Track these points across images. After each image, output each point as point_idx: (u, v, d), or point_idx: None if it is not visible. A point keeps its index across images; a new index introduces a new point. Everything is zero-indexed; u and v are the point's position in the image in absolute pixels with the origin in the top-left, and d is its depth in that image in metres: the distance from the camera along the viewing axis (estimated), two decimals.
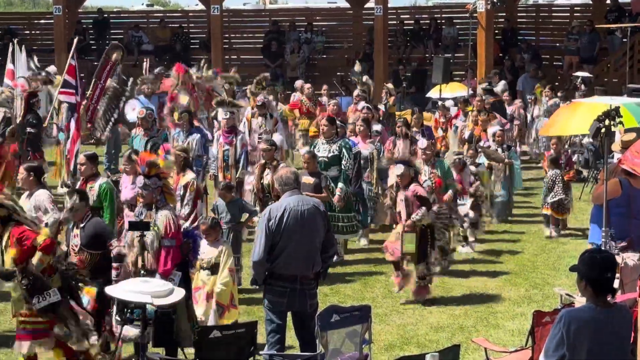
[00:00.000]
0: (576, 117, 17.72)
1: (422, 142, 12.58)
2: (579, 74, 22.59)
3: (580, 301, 8.75)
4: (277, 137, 14.44)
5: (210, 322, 9.29)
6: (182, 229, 9.04)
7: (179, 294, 6.68)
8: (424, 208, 10.94)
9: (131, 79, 16.26)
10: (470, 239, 13.55)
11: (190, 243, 8.98)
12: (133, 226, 9.75)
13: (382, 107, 19.60)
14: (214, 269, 9.57)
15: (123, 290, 6.46)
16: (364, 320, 7.86)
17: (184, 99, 15.83)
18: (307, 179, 11.84)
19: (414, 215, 10.92)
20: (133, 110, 16.87)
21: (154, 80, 18.51)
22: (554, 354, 5.73)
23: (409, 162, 11.26)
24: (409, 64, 28.06)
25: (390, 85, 21.45)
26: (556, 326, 5.75)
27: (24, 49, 17.76)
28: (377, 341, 9.42)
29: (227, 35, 29.00)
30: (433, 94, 22.94)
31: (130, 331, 8.49)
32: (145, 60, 20.47)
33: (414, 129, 15.79)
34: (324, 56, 29.44)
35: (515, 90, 23.91)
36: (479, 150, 14.91)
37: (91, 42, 29.32)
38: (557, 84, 24.67)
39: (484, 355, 8.38)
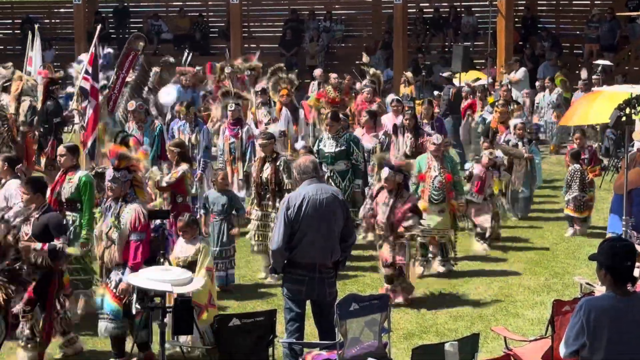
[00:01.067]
0: (595, 106, 17.68)
1: (437, 137, 12.04)
2: (600, 62, 22.47)
3: (600, 290, 8.73)
4: (273, 128, 13.87)
5: None
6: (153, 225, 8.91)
7: (199, 282, 6.71)
8: (416, 216, 10.58)
9: (153, 69, 16.32)
10: (479, 245, 12.89)
11: (159, 239, 8.83)
12: (152, 215, 9.79)
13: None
14: (191, 267, 9.12)
15: (143, 278, 6.49)
16: (383, 309, 7.86)
17: (248, 95, 15.73)
18: None
19: (405, 223, 10.49)
20: (168, 95, 16.90)
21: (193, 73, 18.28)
22: (574, 343, 5.72)
23: (398, 166, 10.74)
24: (428, 52, 28.00)
25: (409, 74, 21.43)
26: (576, 315, 5.73)
27: (38, 38, 17.77)
28: (396, 330, 9.43)
29: (246, 24, 29.00)
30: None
31: (105, 326, 8.56)
32: (187, 52, 20.12)
33: (424, 121, 15.13)
34: (343, 45, 29.40)
35: (535, 78, 23.80)
36: (496, 146, 14.48)
37: (111, 31, 29.38)
38: (577, 72, 24.58)
39: (504, 344, 8.36)
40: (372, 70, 18.53)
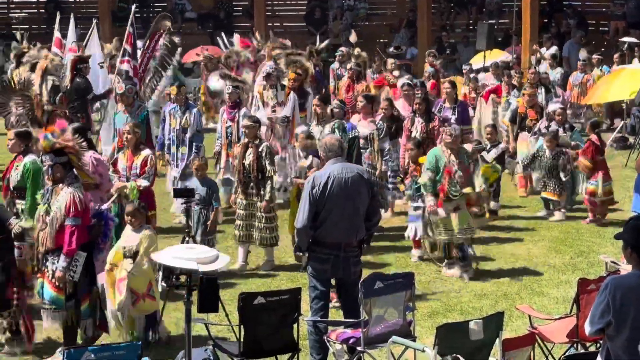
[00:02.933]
0: (616, 84, 17.60)
1: (455, 128, 11.12)
2: (626, 39, 22.28)
3: (625, 269, 8.70)
4: (260, 113, 13.52)
5: (124, 310, 8.81)
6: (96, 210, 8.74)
7: (224, 260, 6.73)
8: None
9: (179, 49, 16.32)
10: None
11: (101, 226, 8.64)
12: (177, 193, 9.83)
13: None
14: (136, 256, 8.88)
15: (169, 256, 6.51)
16: (407, 287, 7.87)
17: (247, 77, 15.54)
18: (303, 162, 11.32)
19: None
20: (217, 81, 16.83)
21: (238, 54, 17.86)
22: (600, 321, 5.71)
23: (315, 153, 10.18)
24: (452, 30, 27.85)
25: (433, 51, 21.30)
26: (602, 293, 5.72)
27: (72, 21, 17.80)
28: (420, 308, 9.44)
29: (270, 2, 28.91)
30: (476, 61, 22.74)
31: (47, 315, 8.52)
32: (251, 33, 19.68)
33: (447, 105, 14.13)
34: (367, 23, 29.28)
35: (561, 56, 23.63)
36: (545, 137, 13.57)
37: (135, 10, 29.35)
38: (603, 49, 24.38)
39: (528, 322, 8.36)
40: (356, 51, 17.64)
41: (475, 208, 11.27)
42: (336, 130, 11.91)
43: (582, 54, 21.03)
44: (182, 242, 9.82)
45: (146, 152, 10.67)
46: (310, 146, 11.15)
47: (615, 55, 20.80)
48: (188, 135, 13.10)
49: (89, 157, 9.96)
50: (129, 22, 14.61)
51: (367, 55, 17.91)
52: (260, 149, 11.11)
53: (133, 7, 15.23)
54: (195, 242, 10.64)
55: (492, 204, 13.24)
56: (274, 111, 14.00)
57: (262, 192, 11.07)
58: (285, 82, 14.71)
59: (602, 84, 18.59)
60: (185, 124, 13.14)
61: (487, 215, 12.83)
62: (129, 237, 9.00)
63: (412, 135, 12.80)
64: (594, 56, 20.69)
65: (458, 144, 11.01)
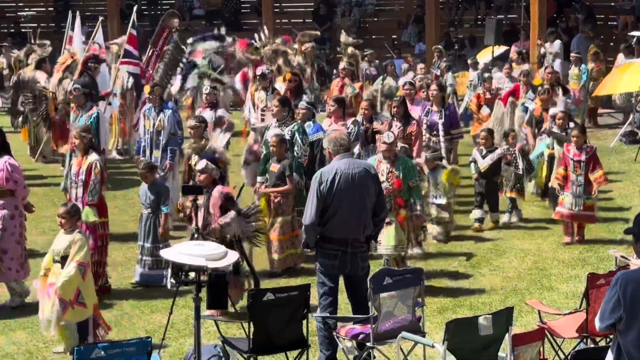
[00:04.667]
0: (626, 77, 17.60)
1: (388, 135, 10.15)
2: (634, 33, 22.20)
3: (635, 263, 8.67)
4: (253, 119, 13.04)
5: (53, 318, 8.63)
6: None
7: (233, 256, 6.73)
8: (232, 213, 9.52)
9: (189, 47, 16.35)
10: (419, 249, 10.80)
11: None
12: (186, 191, 9.84)
13: (436, 70, 19.38)
14: (65, 261, 8.67)
15: (178, 253, 6.52)
16: (416, 283, 7.86)
17: (226, 78, 15.40)
18: (274, 166, 11.00)
19: (222, 219, 9.47)
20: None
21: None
22: (610, 317, 5.69)
23: (215, 157, 9.99)
24: (460, 26, 27.81)
25: (440, 47, 21.29)
26: (612, 289, 5.70)
27: (79, 17, 17.84)
28: (429, 304, 9.42)
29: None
30: (483, 56, 22.69)
31: None
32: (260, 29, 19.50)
33: (434, 108, 13.65)
34: (375, 19, 29.26)
35: (568, 51, 23.56)
36: (546, 133, 13.33)
37: (143, 7, 29.42)
38: (612, 44, 24.31)
39: (538, 317, 8.35)
40: (350, 50, 16.74)
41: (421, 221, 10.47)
42: (296, 132, 11.50)
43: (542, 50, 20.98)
44: (191, 239, 9.83)
45: (92, 157, 10.21)
46: (282, 153, 10.94)
47: (622, 46, 20.71)
48: (162, 137, 12.68)
49: (3, 163, 9.95)
50: (130, 23, 14.63)
51: (360, 53, 17.29)
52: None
53: (135, 7, 15.21)
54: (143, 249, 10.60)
55: (491, 215, 12.77)
56: (263, 119, 13.60)
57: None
58: (277, 84, 14.39)
59: (612, 77, 18.60)
60: (159, 126, 12.74)
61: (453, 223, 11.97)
62: (59, 241, 8.80)
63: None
64: (572, 54, 20.42)
65: (395, 152, 10.21)
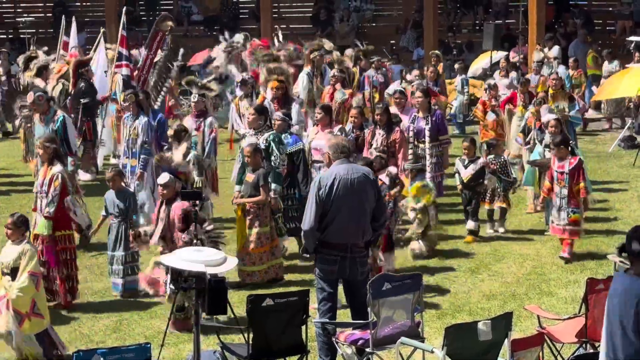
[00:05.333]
0: (625, 81, 17.65)
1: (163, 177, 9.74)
2: (633, 38, 22.26)
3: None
4: (242, 128, 12.73)
5: (11, 329, 8.49)
6: None
7: (232, 262, 6.74)
8: (195, 226, 9.24)
9: (182, 50, 16.31)
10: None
11: None
12: (185, 196, 9.82)
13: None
14: (14, 273, 8.50)
15: (177, 259, 6.52)
16: (415, 288, 7.86)
17: (214, 85, 15.22)
18: (249, 176, 10.81)
19: (185, 236, 9.23)
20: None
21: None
22: None
23: (176, 170, 9.71)
24: (459, 31, 27.84)
25: (437, 52, 21.28)
26: None
27: (74, 22, 17.83)
28: (428, 309, 9.43)
29: (276, 5, 28.93)
30: (481, 60, 22.73)
31: None
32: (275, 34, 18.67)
33: (420, 115, 13.21)
34: (374, 24, 29.29)
35: (566, 56, 23.60)
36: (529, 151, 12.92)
37: (141, 13, 29.45)
38: (610, 49, 24.33)
39: (537, 322, 8.35)
40: (335, 56, 16.26)
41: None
42: (271, 142, 11.32)
43: (537, 55, 20.84)
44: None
45: (56, 169, 10.01)
46: (257, 162, 10.81)
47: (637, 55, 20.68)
48: (137, 146, 12.55)
49: None
50: (121, 25, 14.61)
51: (349, 59, 16.94)
52: (187, 159, 10.57)
53: (124, 9, 15.18)
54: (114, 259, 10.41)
55: (471, 224, 12.39)
56: None
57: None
58: (261, 91, 14.07)
59: (610, 81, 18.65)
60: (133, 134, 12.63)
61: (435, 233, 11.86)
62: (7, 252, 8.65)
63: (373, 148, 12.27)
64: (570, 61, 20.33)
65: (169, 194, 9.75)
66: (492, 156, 12.68)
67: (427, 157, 12.97)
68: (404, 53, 26.34)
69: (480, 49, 23.39)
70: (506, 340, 7.09)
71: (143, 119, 12.64)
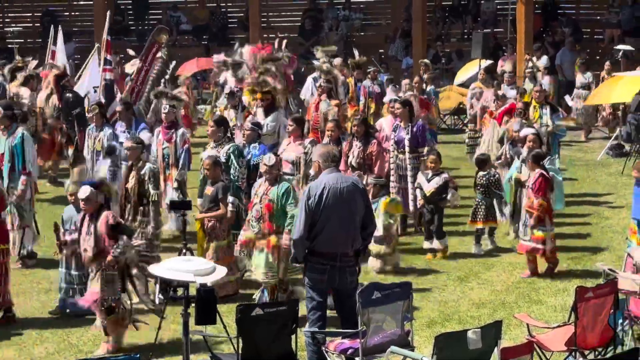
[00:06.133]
0: (617, 89, 17.73)
1: (269, 158, 9.89)
2: (620, 47, 22.33)
3: (623, 276, 8.73)
4: (144, 135, 12.49)
5: None
6: None
7: (222, 271, 6.73)
8: (124, 238, 8.97)
9: (173, 62, 16.29)
10: None
11: None
12: (173, 206, 9.81)
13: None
14: None
15: (166, 268, 6.52)
16: (404, 297, 7.86)
17: (183, 95, 15.07)
18: (208, 189, 10.62)
19: (115, 250, 8.90)
20: (308, 90, 16.37)
21: None
22: None
23: (99, 184, 9.20)
24: (447, 40, 27.90)
25: (426, 61, 21.29)
26: None
27: (60, 32, 17.75)
28: (418, 318, 9.42)
29: (265, 14, 28.96)
30: (465, 70, 22.76)
31: None
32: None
33: (401, 124, 12.92)
34: (362, 34, 29.33)
35: (554, 64, 23.67)
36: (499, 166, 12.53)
37: (130, 23, 29.44)
38: (598, 57, 24.42)
39: (526, 331, 8.35)
40: (325, 67, 15.65)
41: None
42: (231, 155, 11.20)
43: (508, 66, 20.75)
44: (179, 254, 9.80)
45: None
46: (217, 175, 10.67)
47: (607, 63, 20.75)
48: (101, 157, 12.40)
49: None
50: (105, 30, 14.58)
51: (338, 70, 16.12)
52: (142, 172, 10.46)
53: (108, 13, 15.14)
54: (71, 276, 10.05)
55: (436, 243, 12.08)
56: (234, 137, 12.82)
57: (141, 219, 10.38)
58: (245, 100, 13.95)
59: (603, 88, 18.72)
60: (98, 146, 12.49)
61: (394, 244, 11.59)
62: None
63: (349, 160, 12.11)
64: (506, 75, 20.06)
65: (276, 175, 9.89)
66: (482, 173, 12.41)
67: (408, 167, 12.75)
68: (393, 62, 26.38)
69: (469, 58, 23.42)
70: (496, 348, 7.10)
71: (107, 130, 12.52)
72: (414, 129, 12.88)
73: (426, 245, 12.17)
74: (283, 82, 15.04)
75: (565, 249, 12.37)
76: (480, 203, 12.31)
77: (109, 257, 8.88)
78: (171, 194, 12.30)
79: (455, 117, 22.52)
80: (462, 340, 7.01)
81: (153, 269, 6.70)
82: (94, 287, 8.96)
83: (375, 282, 8.13)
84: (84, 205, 9.04)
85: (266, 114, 13.07)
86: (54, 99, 15.32)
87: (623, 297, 8.57)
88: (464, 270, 11.59)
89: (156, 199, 10.37)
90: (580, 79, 21.07)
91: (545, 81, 20.25)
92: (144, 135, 12.36)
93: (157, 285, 7.62)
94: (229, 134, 11.63)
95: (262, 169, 9.93)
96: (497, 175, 12.46)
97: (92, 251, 8.93)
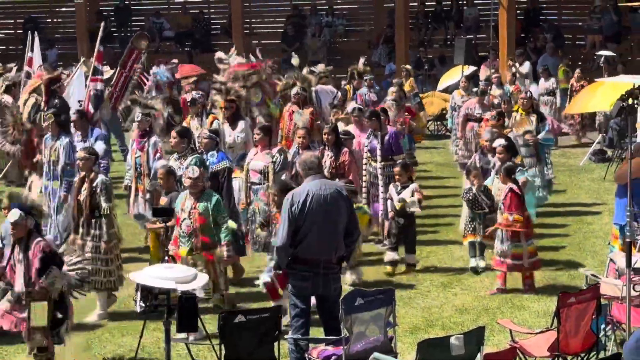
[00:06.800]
0: (597, 95, 17.77)
1: (193, 170, 9.78)
2: (602, 52, 22.44)
3: (606, 282, 8.75)
4: (98, 146, 12.21)
5: None
6: None
7: (203, 279, 6.71)
8: (54, 269, 8.46)
9: (153, 67, 16.25)
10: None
11: None
12: (156, 213, 9.77)
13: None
14: None
15: (147, 276, 6.49)
16: (388, 303, 7.85)
17: (256, 96, 14.98)
18: (162, 199, 10.57)
19: (44, 281, 8.42)
20: (328, 94, 16.04)
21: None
22: None
23: (30, 207, 8.68)
24: (430, 46, 27.96)
25: (408, 67, 21.32)
26: None
27: (37, 40, 17.65)
28: (401, 324, 9.42)
29: (248, 20, 28.96)
30: (449, 77, 22.80)
31: None
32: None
33: (373, 132, 12.74)
34: (345, 40, 29.37)
35: (535, 70, 23.74)
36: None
37: (112, 29, 29.37)
38: (580, 63, 24.51)
39: (509, 337, 8.35)
40: (301, 72, 15.46)
41: None
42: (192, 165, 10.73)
43: (483, 74, 20.62)
44: (162, 261, 9.75)
45: None
46: (171, 185, 10.57)
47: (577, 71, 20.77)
48: (59, 168, 12.14)
49: None
50: (98, 41, 14.53)
51: (313, 79, 15.85)
52: (94, 185, 10.17)
53: (102, 24, 15.10)
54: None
55: (408, 257, 11.74)
56: (200, 146, 12.42)
57: (94, 232, 10.14)
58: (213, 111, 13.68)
59: (583, 95, 18.75)
60: (53, 156, 12.21)
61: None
62: None
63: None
64: (494, 76, 20.01)
65: (201, 187, 9.78)
66: (466, 187, 11.90)
67: (379, 176, 12.55)
68: (376, 68, 26.40)
69: (452, 64, 23.48)
70: (479, 354, 7.10)
71: (64, 140, 12.22)
72: (386, 138, 12.71)
73: (388, 257, 11.74)
74: (269, 90, 15.05)
75: (547, 254, 12.40)
76: (469, 217, 11.81)
77: (37, 287, 8.43)
78: (142, 205, 12.15)
79: (438, 122, 22.56)
80: (445, 346, 7.01)
81: (134, 276, 6.66)
82: (24, 314, 8.55)
83: (359, 289, 8.12)
84: (12, 230, 8.57)
85: (232, 123, 12.93)
86: (29, 103, 15.25)
87: (605, 302, 8.59)
88: (447, 276, 11.59)
89: (108, 212, 10.09)
90: (544, 85, 20.98)
91: (533, 88, 20.33)
92: (99, 147, 12.08)
93: (138, 293, 7.60)
94: (192, 145, 11.44)
95: (187, 182, 9.71)
96: (483, 186, 11.77)
97: (20, 286, 8.52)
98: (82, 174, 10.40)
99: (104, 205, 10.08)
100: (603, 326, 8.53)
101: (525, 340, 8.25)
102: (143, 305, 6.61)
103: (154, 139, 12.33)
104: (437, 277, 11.56)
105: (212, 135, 11.80)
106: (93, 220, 10.16)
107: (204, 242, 9.76)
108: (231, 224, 9.84)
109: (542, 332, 8.30)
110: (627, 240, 8.42)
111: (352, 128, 13.23)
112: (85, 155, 10.42)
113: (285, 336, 8.17)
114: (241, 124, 12.97)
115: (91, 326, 10.06)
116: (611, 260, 9.37)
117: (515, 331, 8.40)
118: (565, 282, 11.14)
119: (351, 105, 14.21)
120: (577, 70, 20.92)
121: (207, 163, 11.43)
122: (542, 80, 21.37)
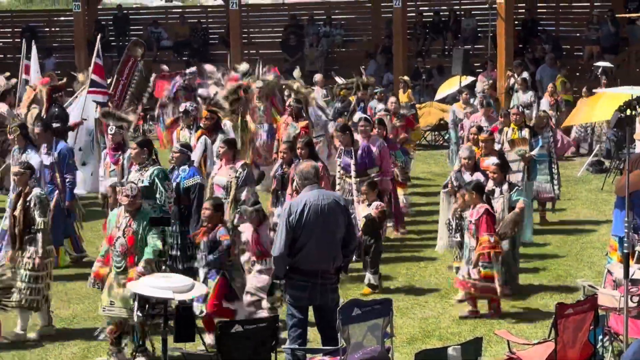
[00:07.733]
0: (598, 106, 17.81)
1: (133, 188, 9.29)
2: (600, 63, 22.47)
3: (603, 292, 8.74)
4: (34, 159, 11.75)
5: None
6: None
7: (201, 289, 6.70)
8: None
9: (153, 75, 16.26)
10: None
11: None
12: (154, 222, 9.73)
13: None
14: None
15: (144, 286, 6.47)
16: (385, 313, 7.84)
17: (131, 117, 14.82)
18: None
19: None
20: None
21: None
22: None
23: None
24: (428, 56, 28.00)
25: (406, 78, 21.34)
26: None
27: (35, 49, 17.65)
28: (399, 335, 9.41)
29: (245, 30, 29.00)
30: (446, 87, 22.84)
31: None
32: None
33: (344, 148, 12.51)
34: (343, 50, 29.42)
35: (534, 80, 23.77)
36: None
37: (111, 38, 29.41)
38: (577, 74, 24.55)
39: (507, 347, 8.34)
40: (296, 85, 15.16)
41: None
42: (155, 178, 10.66)
43: (480, 85, 20.53)
44: (159, 271, 9.71)
45: None
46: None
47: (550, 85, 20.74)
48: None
49: None
50: (95, 53, 14.54)
51: (308, 92, 15.53)
52: (28, 199, 9.86)
53: (98, 36, 15.10)
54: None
55: (370, 277, 11.33)
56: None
57: (28, 247, 9.81)
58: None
59: (583, 106, 18.79)
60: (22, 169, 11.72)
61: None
62: None
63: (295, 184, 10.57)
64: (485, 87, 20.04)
65: (137, 205, 9.21)
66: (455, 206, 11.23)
67: (354, 192, 12.30)
68: (374, 78, 26.40)
69: (450, 74, 23.51)
70: None
71: (32, 153, 12.01)
72: (359, 152, 12.45)
73: (368, 279, 11.40)
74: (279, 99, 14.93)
75: (544, 264, 12.41)
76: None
77: None
78: None
79: (436, 133, 22.57)
80: (443, 357, 7.02)
81: (131, 286, 6.65)
82: None
83: (356, 299, 8.12)
84: None
85: (211, 134, 12.69)
86: (33, 113, 15.25)
87: (603, 313, 8.58)
88: (445, 286, 11.57)
89: (43, 226, 9.78)
90: (523, 97, 20.35)
91: (526, 97, 20.29)
92: (34, 160, 11.70)
93: (136, 303, 7.58)
94: (153, 157, 11.06)
95: (124, 200, 9.19)
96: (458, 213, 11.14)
97: None
98: (19, 188, 10.04)
99: (38, 219, 9.77)
100: (600, 337, 8.52)
101: (523, 351, 8.24)
102: (140, 315, 6.60)
103: (128, 152, 11.89)
104: (434, 287, 11.55)
105: (183, 150, 11.39)
106: (27, 237, 9.83)
107: (131, 263, 9.01)
108: (159, 244, 9.09)
109: (539, 343, 8.29)
110: (625, 251, 8.42)
111: (358, 138, 12.84)
112: (20, 170, 10.11)
113: (283, 346, 8.15)
114: (220, 137, 12.59)
115: (86, 336, 10.02)
116: (609, 271, 9.36)
117: (512, 342, 8.40)
118: (563, 292, 11.13)
119: (357, 116, 14.03)
120: (551, 85, 20.70)
121: (179, 178, 11.10)
122: (520, 92, 20.74)
